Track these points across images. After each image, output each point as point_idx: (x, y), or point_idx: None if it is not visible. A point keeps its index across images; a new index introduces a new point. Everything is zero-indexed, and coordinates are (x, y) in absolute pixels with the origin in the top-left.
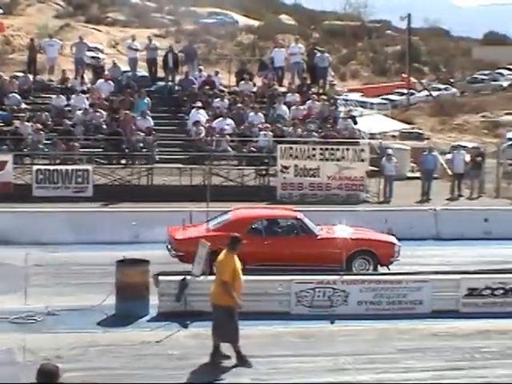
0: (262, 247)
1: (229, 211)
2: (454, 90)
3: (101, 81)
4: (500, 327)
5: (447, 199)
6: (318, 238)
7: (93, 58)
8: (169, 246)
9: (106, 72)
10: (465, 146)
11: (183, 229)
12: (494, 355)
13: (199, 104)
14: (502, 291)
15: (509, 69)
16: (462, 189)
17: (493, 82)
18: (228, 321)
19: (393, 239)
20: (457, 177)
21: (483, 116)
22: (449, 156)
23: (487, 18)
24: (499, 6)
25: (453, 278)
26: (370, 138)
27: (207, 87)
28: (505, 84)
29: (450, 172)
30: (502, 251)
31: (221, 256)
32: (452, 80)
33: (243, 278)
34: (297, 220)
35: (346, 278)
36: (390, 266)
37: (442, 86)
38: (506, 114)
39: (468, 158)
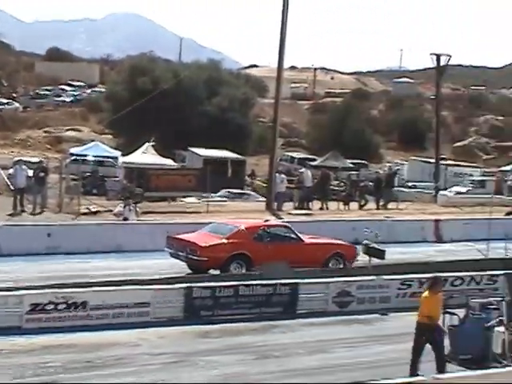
0: (266, 251)
1: (221, 222)
2: (16, 104)
3: None
4: (64, 341)
5: (9, 214)
6: (305, 243)
7: None
8: (183, 253)
9: None
10: (27, 161)
11: (198, 237)
12: (57, 369)
13: None
14: (65, 306)
15: (71, 85)
16: (25, 204)
17: (56, 98)
18: None
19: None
20: (19, 192)
21: (46, 131)
22: (11, 171)
23: (51, 34)
24: (63, 22)
25: (15, 294)
26: None
27: None
28: (68, 100)
29: (11, 187)
30: (67, 266)
31: None
32: (15, 95)
33: None
34: (287, 228)
35: None
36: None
37: (5, 101)
38: (69, 129)
39: (30, 172)
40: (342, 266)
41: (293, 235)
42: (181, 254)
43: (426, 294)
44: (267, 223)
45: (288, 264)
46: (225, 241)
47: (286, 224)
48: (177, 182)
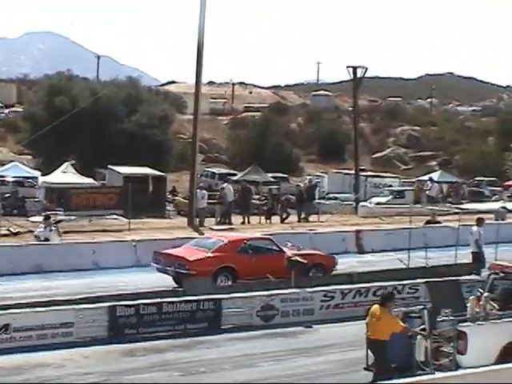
0: (250, 263)
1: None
2: None
3: None
4: None
5: None
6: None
7: None
8: (171, 268)
9: None
10: None
11: (185, 252)
12: None
13: None
14: None
15: None
16: None
17: None
18: None
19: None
20: None
21: None
22: None
23: None
24: None
25: None
26: None
27: None
28: None
29: None
30: None
31: None
32: None
33: None
34: (270, 241)
35: None
36: None
37: None
38: None
39: None
40: (321, 276)
41: (275, 247)
42: (169, 268)
43: (377, 309)
44: (250, 236)
45: (270, 274)
46: (211, 254)
47: (269, 237)
48: (97, 200)
